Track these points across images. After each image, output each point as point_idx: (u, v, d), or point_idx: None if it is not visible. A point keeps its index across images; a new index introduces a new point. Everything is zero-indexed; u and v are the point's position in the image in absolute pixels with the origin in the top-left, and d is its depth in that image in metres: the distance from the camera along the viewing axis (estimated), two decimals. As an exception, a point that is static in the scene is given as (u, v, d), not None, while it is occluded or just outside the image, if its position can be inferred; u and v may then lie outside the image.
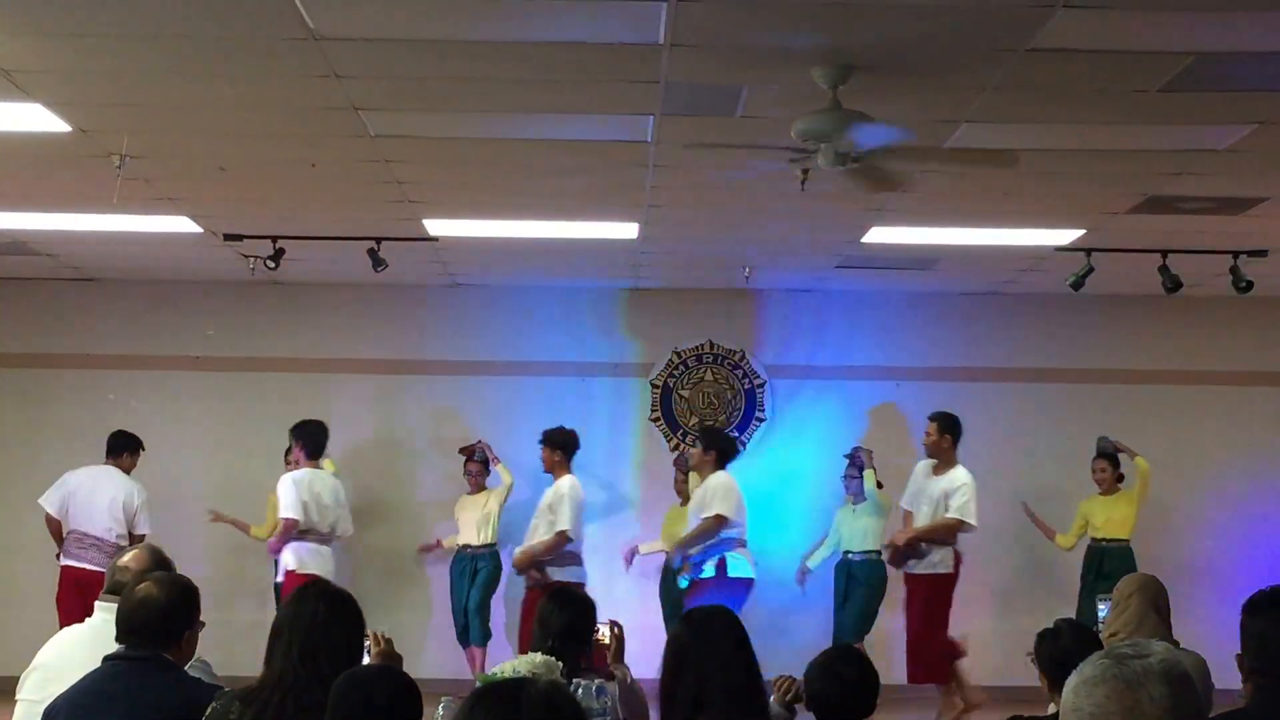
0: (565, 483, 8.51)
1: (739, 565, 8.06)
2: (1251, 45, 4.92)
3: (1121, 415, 10.26)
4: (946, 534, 8.14)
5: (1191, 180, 6.85)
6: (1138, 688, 2.00)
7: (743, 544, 8.17)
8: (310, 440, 8.44)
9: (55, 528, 8.86)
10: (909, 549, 8.24)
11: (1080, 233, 8.17)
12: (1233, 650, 3.18)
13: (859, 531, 9.30)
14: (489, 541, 9.55)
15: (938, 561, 8.16)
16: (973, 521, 8.16)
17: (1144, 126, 5.96)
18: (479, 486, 9.73)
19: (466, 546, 9.59)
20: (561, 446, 8.63)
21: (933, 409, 10.38)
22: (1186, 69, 5.09)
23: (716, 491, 8.09)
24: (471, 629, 9.50)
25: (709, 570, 8.05)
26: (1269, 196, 7.18)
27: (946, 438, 8.35)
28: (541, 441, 8.78)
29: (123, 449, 8.98)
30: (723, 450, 8.34)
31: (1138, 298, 9.93)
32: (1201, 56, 4.99)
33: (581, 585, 8.30)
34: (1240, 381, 10.36)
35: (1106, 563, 9.08)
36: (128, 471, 8.96)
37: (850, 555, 9.34)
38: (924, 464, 8.53)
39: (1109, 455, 9.46)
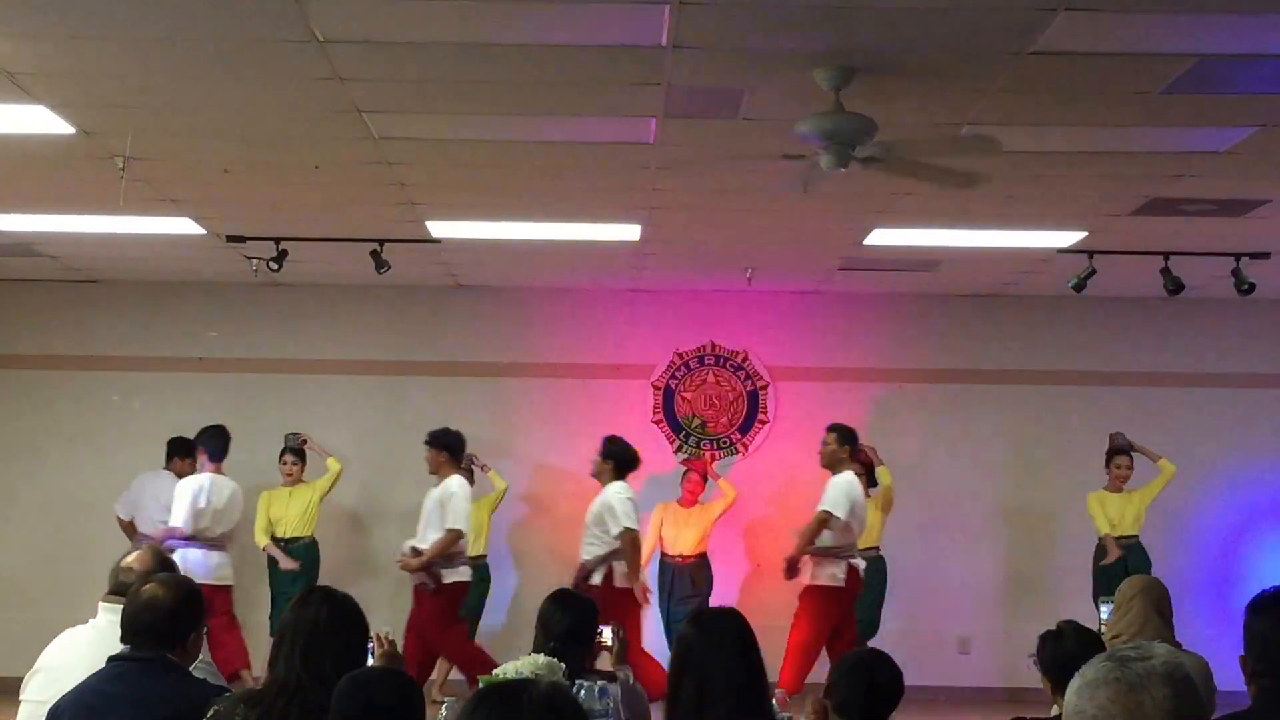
0: (454, 482, 8.47)
1: (625, 576, 8.06)
2: (1253, 48, 4.94)
3: (1123, 417, 10.25)
4: (818, 530, 8.16)
5: (1193, 182, 6.86)
6: (1140, 690, 2.01)
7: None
8: (212, 445, 8.73)
9: (127, 529, 9.24)
10: (789, 565, 8.30)
11: (1082, 235, 8.17)
12: (1235, 652, 3.18)
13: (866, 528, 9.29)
14: (482, 552, 9.50)
15: (828, 575, 8.18)
16: (839, 514, 8.12)
17: (1146, 129, 5.97)
18: None
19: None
20: (447, 447, 8.56)
21: (935, 411, 10.44)
22: (1188, 71, 5.10)
23: (616, 506, 8.06)
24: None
25: (596, 578, 8.05)
26: (1271, 199, 7.18)
27: (845, 448, 8.38)
28: (427, 442, 8.68)
29: (173, 454, 9.35)
30: (620, 459, 8.30)
31: (1140, 300, 9.95)
32: (1203, 59, 5.00)
33: (468, 584, 8.27)
34: (1242, 384, 10.37)
35: (1131, 560, 9.03)
36: (180, 474, 9.17)
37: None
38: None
39: (1129, 452, 9.42)
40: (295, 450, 9.47)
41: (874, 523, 9.32)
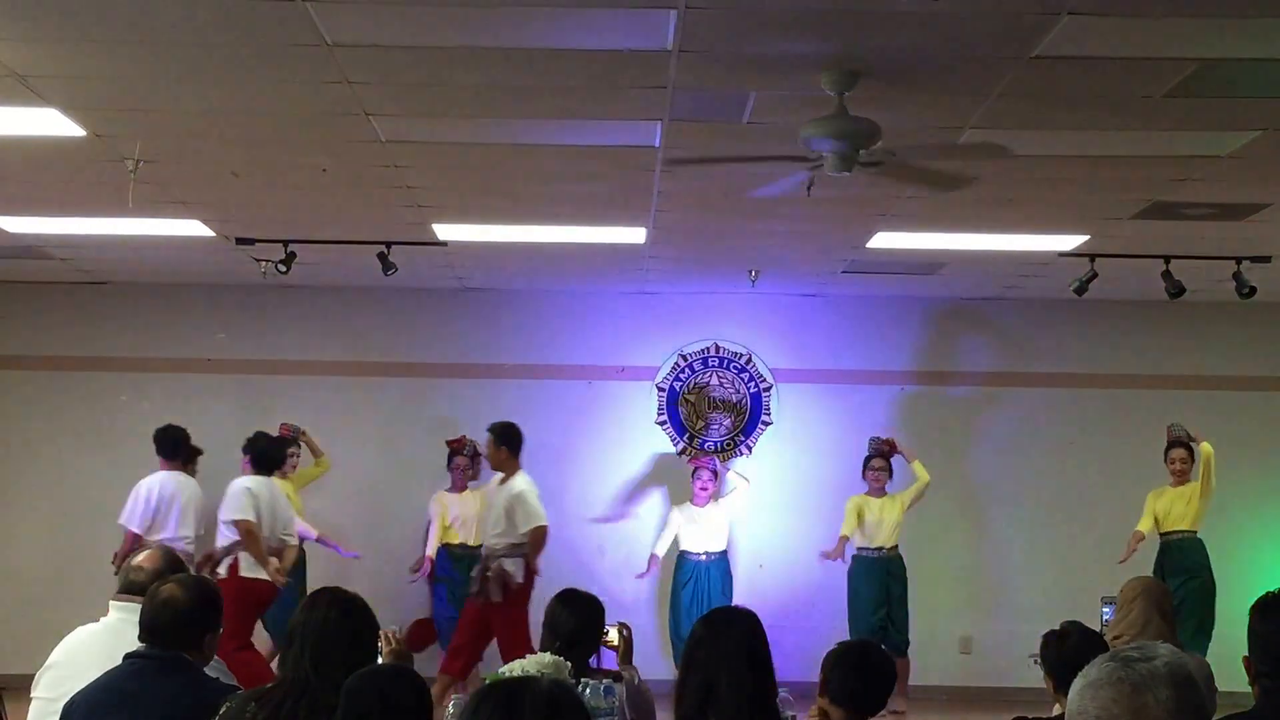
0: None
1: (252, 566, 8.13)
2: (1255, 51, 4.96)
3: (1124, 420, 10.31)
4: (539, 544, 8.27)
5: (1195, 186, 6.88)
6: (1143, 690, 2.01)
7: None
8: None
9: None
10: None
11: (1084, 238, 8.20)
12: (1238, 653, 3.21)
13: (892, 524, 9.35)
14: (480, 542, 9.55)
15: (513, 571, 8.25)
16: (546, 522, 8.31)
17: (1148, 132, 5.98)
18: (463, 485, 9.63)
19: (464, 545, 9.47)
20: (156, 444, 8.61)
21: (937, 413, 10.46)
22: (1190, 75, 5.13)
23: (233, 498, 8.13)
24: None
25: (222, 569, 8.11)
26: (1271, 202, 7.20)
27: (503, 449, 8.35)
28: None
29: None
30: (256, 456, 8.31)
31: (1141, 303, 9.97)
32: (1205, 63, 5.02)
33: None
34: (1242, 386, 10.38)
35: (1170, 557, 8.88)
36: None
37: (885, 551, 9.38)
38: (495, 478, 8.59)
39: (1185, 443, 9.02)
40: (297, 442, 9.45)
41: (894, 520, 9.37)
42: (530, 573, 8.35)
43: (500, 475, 8.45)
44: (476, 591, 8.37)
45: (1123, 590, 5.00)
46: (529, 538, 8.29)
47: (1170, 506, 9.00)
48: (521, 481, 8.34)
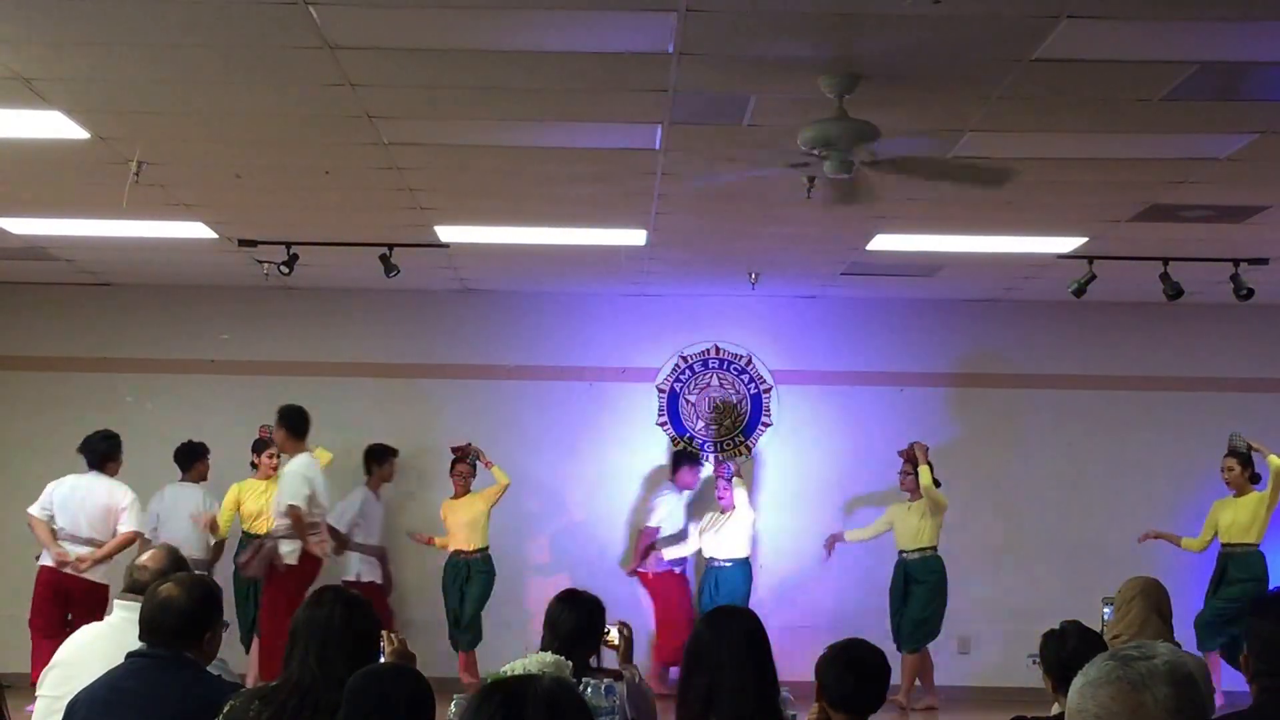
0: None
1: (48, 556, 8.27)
2: (1253, 55, 4.99)
3: (1122, 421, 10.32)
4: (296, 524, 8.18)
5: (1193, 189, 6.91)
6: (1142, 689, 2.02)
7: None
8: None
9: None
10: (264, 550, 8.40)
11: (1082, 240, 8.22)
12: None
13: (912, 529, 9.41)
14: (481, 545, 9.60)
15: (287, 553, 8.22)
16: (298, 504, 8.16)
17: (1146, 135, 6.01)
18: (465, 489, 9.74)
19: (459, 551, 9.62)
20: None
21: (936, 414, 10.47)
22: (1189, 78, 5.15)
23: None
24: (464, 635, 9.58)
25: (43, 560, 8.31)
26: (1270, 205, 7.23)
27: (282, 431, 8.39)
28: None
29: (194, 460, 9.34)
30: (83, 451, 8.40)
31: (1139, 305, 9.99)
32: (1204, 66, 5.05)
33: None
34: (1240, 388, 10.40)
35: (1230, 569, 8.88)
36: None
37: (905, 555, 9.48)
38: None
39: (1239, 453, 9.03)
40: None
41: (910, 525, 9.41)
42: (310, 558, 8.25)
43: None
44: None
45: (1121, 590, 5.01)
46: (288, 517, 8.24)
47: (1235, 517, 8.99)
48: (294, 463, 8.31)
